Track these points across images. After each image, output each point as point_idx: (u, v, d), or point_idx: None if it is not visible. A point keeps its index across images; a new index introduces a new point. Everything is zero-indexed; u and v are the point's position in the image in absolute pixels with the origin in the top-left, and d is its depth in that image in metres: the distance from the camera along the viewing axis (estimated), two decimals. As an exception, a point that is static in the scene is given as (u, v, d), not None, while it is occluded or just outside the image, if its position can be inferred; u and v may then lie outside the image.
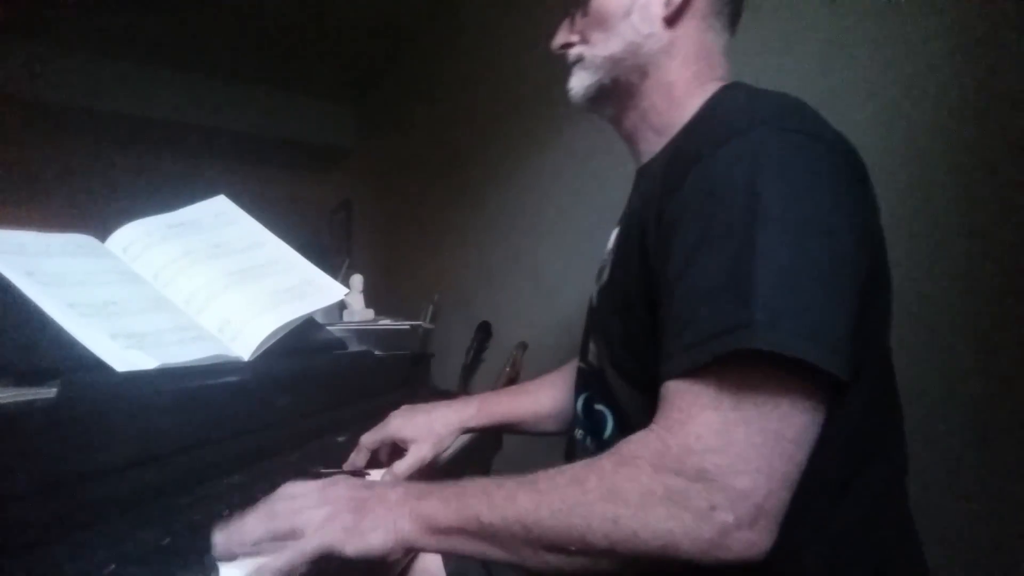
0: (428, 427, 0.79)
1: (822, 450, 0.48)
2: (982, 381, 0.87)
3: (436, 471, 0.80)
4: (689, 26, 0.66)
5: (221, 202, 0.93)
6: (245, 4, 2.83)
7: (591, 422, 0.70)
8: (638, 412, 0.48)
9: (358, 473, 0.75)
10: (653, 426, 0.46)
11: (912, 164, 0.95)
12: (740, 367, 0.42)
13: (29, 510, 0.45)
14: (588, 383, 0.71)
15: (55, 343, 0.59)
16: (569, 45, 0.72)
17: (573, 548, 0.44)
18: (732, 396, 0.43)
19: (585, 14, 0.70)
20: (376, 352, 1.18)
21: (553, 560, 0.46)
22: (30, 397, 0.50)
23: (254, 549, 0.47)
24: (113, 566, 0.45)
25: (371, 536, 0.48)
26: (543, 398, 0.90)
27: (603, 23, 0.68)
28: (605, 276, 0.68)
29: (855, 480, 0.52)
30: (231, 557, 0.47)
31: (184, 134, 3.76)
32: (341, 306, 1.58)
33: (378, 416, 0.82)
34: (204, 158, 4.22)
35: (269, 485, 0.62)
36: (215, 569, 0.47)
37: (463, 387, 2.30)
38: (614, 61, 0.68)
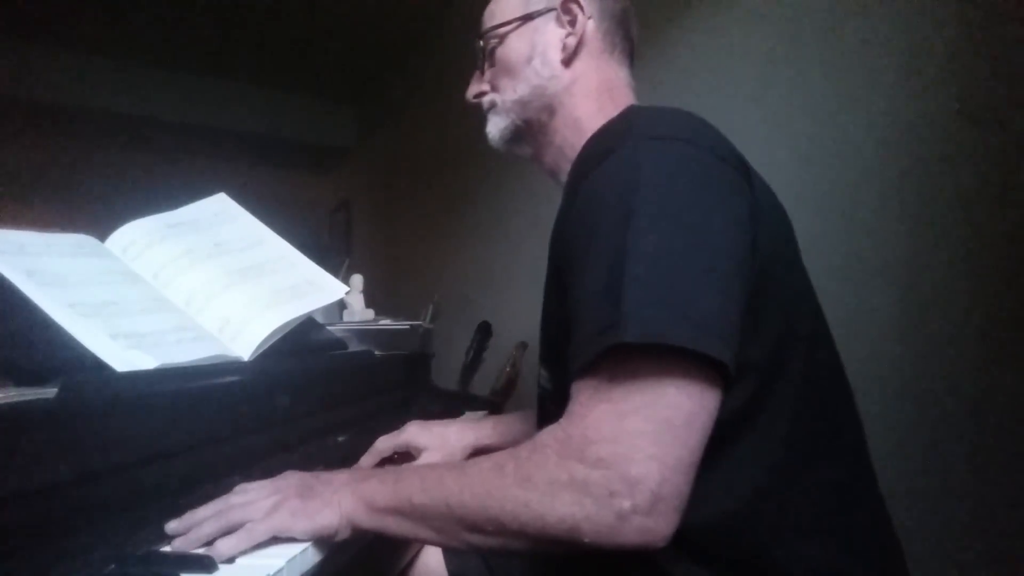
0: (443, 438, 0.84)
1: (763, 444, 0.51)
2: (983, 381, 0.87)
3: None
4: (586, 65, 0.73)
5: (221, 200, 0.93)
6: (245, 4, 2.83)
7: None
8: None
9: None
10: (561, 419, 0.49)
11: (912, 164, 0.95)
12: (624, 361, 0.45)
13: (29, 510, 0.45)
14: (543, 407, 0.73)
15: (55, 343, 0.59)
16: (482, 94, 0.79)
17: (490, 528, 0.47)
18: (621, 388, 0.45)
19: (492, 64, 0.77)
20: (376, 352, 1.18)
21: (474, 540, 0.49)
22: (30, 397, 0.50)
23: (206, 541, 0.50)
24: (113, 566, 0.45)
25: (318, 517, 0.53)
26: None
27: (509, 71, 0.75)
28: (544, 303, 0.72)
29: (807, 472, 0.53)
30: (185, 547, 0.50)
31: (184, 134, 3.76)
32: (341, 306, 1.58)
33: (378, 416, 0.82)
34: (204, 158, 4.22)
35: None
36: (215, 569, 0.47)
37: (463, 387, 2.30)
38: (523, 104, 0.74)
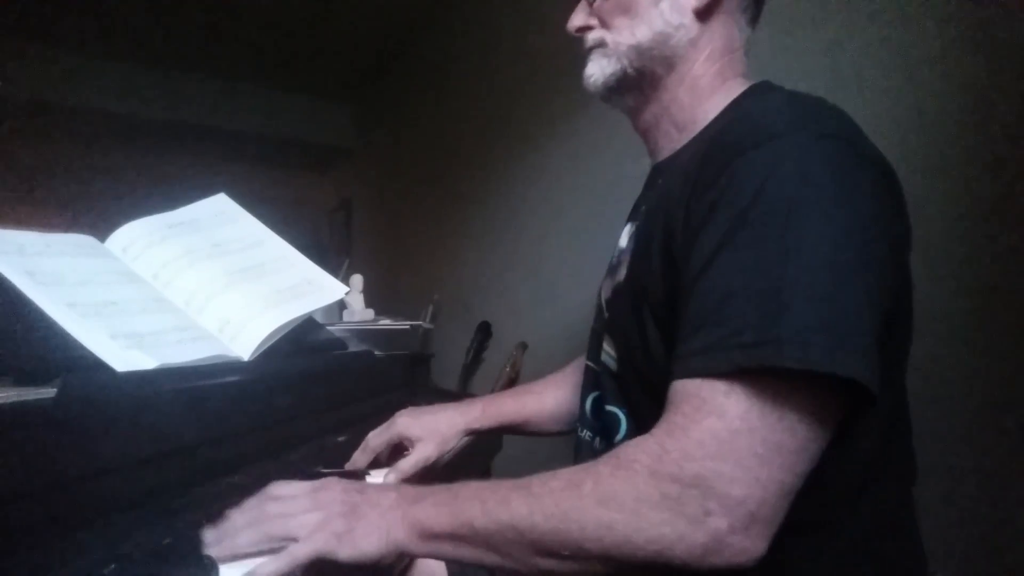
0: (434, 427, 0.80)
1: (838, 463, 0.48)
2: (982, 382, 0.87)
3: (438, 471, 0.81)
4: (719, 20, 0.64)
5: (221, 200, 0.93)
6: (245, 4, 2.83)
7: (601, 423, 0.68)
8: (653, 415, 0.48)
9: (358, 474, 0.75)
10: (655, 430, 0.46)
11: (912, 164, 0.95)
12: (754, 377, 0.42)
13: (29, 510, 0.45)
14: (599, 383, 0.69)
15: (55, 343, 0.59)
16: (587, 28, 0.68)
17: (566, 553, 0.44)
18: (738, 405, 0.42)
19: None
20: (376, 352, 1.18)
21: (546, 564, 0.45)
22: (30, 397, 0.50)
23: (245, 553, 0.47)
24: (113, 566, 0.45)
25: (364, 542, 0.48)
26: (547, 398, 0.89)
27: (629, 9, 0.65)
28: (622, 274, 0.66)
29: (865, 494, 0.52)
30: (222, 559, 0.47)
31: (184, 134, 3.76)
32: (341, 306, 1.58)
33: (378, 416, 0.82)
34: (204, 158, 4.22)
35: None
36: (215, 569, 0.47)
37: (463, 387, 2.30)
38: (640, 50, 0.65)
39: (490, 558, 0.48)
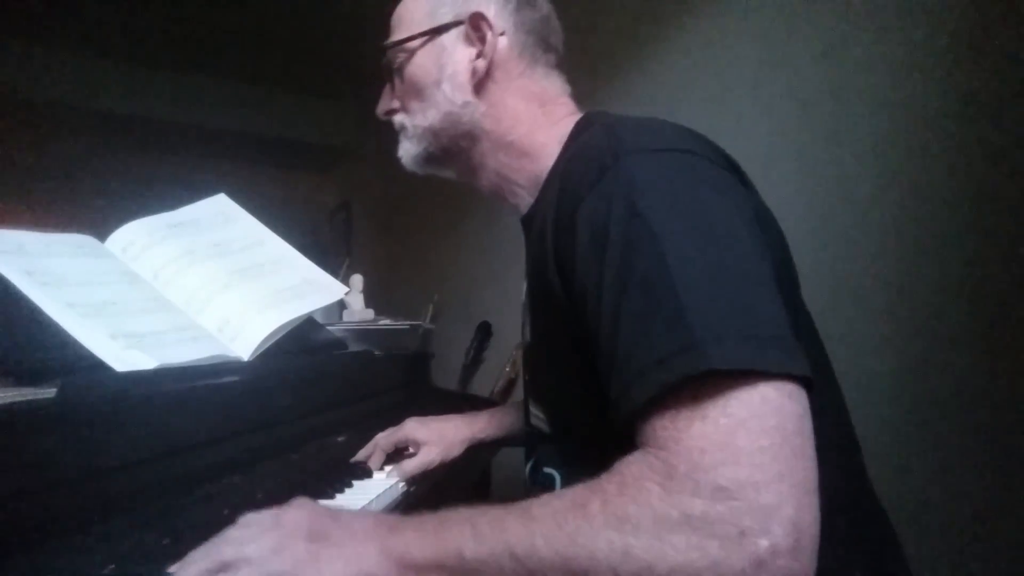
0: (440, 433, 0.82)
1: None
2: (980, 383, 0.87)
3: (439, 475, 0.81)
4: (504, 87, 0.64)
5: (221, 201, 0.93)
6: (245, 4, 2.83)
7: (539, 488, 0.64)
8: (589, 473, 0.43)
9: (364, 469, 0.77)
10: (643, 450, 0.40)
11: (912, 162, 0.95)
12: (704, 381, 0.38)
13: (29, 510, 0.45)
14: (533, 446, 0.67)
15: (55, 343, 0.59)
16: (392, 112, 0.71)
17: None
18: (713, 403, 0.38)
19: (401, 81, 0.69)
20: (376, 352, 1.18)
21: None
22: (30, 397, 0.50)
23: None
24: (113, 566, 0.45)
25: (328, 569, 0.42)
26: None
27: (418, 92, 0.66)
28: (527, 334, 0.65)
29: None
30: None
31: (184, 134, 3.75)
32: (341, 306, 1.58)
33: (378, 416, 0.82)
34: (204, 158, 4.22)
35: (270, 485, 0.62)
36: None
37: (463, 387, 2.30)
38: (435, 132, 0.66)
39: None
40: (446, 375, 2.33)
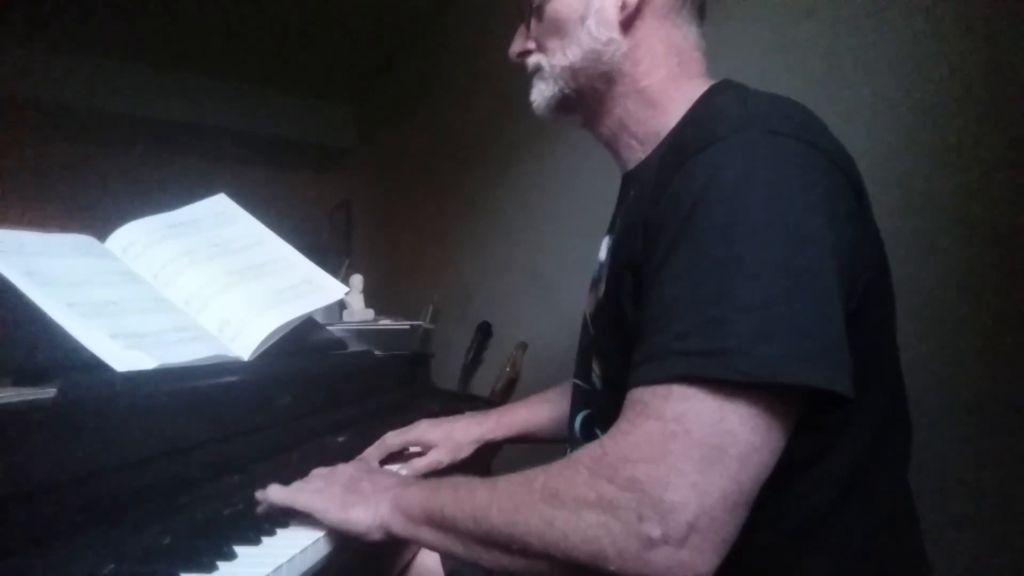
0: (449, 435, 0.84)
1: (834, 458, 0.48)
2: (979, 383, 0.87)
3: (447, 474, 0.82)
4: (650, 27, 0.62)
5: (221, 201, 0.93)
6: (245, 4, 2.83)
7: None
8: None
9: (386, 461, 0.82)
10: (604, 435, 0.45)
11: (912, 162, 0.95)
12: (696, 380, 0.41)
13: (29, 510, 0.45)
14: (589, 402, 0.68)
15: (55, 343, 0.59)
16: (527, 53, 0.69)
17: (514, 547, 0.44)
18: (677, 408, 0.41)
19: (540, 20, 0.66)
20: (376, 352, 1.18)
21: (499, 559, 0.46)
22: (30, 397, 0.50)
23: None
24: (113, 566, 0.45)
25: (352, 511, 0.54)
26: (562, 406, 0.87)
27: (558, 30, 0.64)
28: (601, 290, 0.65)
29: (858, 491, 0.50)
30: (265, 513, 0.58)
31: (184, 134, 3.75)
32: (341, 306, 1.58)
33: (378, 416, 0.82)
34: (204, 158, 4.22)
35: (270, 485, 0.62)
36: (214, 569, 0.47)
37: (463, 387, 2.30)
38: (574, 71, 0.64)
39: (456, 547, 0.49)
40: (446, 375, 2.33)
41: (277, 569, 0.48)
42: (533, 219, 2.07)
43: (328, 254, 4.09)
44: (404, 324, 1.48)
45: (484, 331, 2.30)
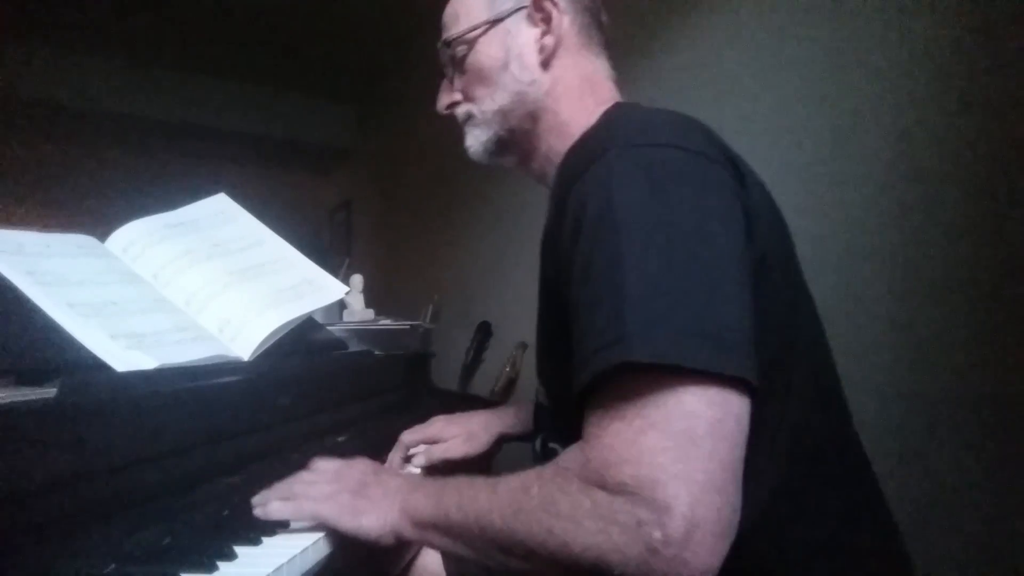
0: (466, 427, 0.85)
1: (764, 462, 0.48)
2: (979, 381, 0.87)
3: (462, 468, 0.82)
4: (565, 63, 0.67)
5: (221, 200, 0.93)
6: (245, 4, 2.83)
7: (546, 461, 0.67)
8: None
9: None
10: (580, 442, 0.46)
11: (911, 161, 0.95)
12: (634, 378, 0.42)
13: (29, 510, 0.45)
14: (541, 422, 0.70)
15: (55, 343, 0.59)
16: (455, 104, 0.74)
17: (519, 552, 0.45)
18: (633, 404, 0.41)
19: (463, 72, 0.72)
20: (376, 352, 1.18)
21: (505, 561, 0.47)
22: (30, 397, 0.50)
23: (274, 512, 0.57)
24: (113, 566, 0.45)
25: (363, 518, 0.54)
26: None
27: (484, 79, 0.69)
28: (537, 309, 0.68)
29: (811, 492, 0.52)
30: (263, 514, 0.56)
31: (184, 134, 3.75)
32: (341, 306, 1.58)
33: (378, 416, 0.82)
34: (204, 158, 4.22)
35: (270, 485, 0.62)
36: (215, 569, 0.47)
37: (463, 387, 2.30)
38: (504, 113, 0.69)
39: (464, 551, 0.50)
40: (446, 375, 2.32)
41: (277, 569, 0.48)
42: (533, 219, 2.07)
43: (328, 254, 4.10)
44: (404, 324, 1.47)
45: (484, 331, 2.30)
